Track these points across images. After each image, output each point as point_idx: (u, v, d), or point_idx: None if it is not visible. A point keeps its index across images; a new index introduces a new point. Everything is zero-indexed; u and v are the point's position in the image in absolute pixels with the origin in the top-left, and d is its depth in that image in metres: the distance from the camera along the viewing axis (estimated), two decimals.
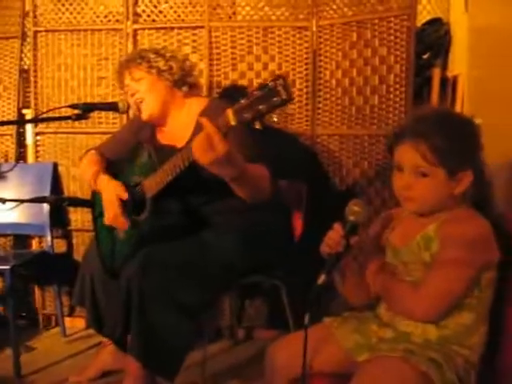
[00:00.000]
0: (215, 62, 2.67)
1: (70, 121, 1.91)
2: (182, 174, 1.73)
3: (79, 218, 2.85)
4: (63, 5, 2.77)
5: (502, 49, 2.15)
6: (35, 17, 2.80)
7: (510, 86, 2.09)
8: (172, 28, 2.69)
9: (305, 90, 2.59)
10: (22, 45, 2.87)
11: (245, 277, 2.04)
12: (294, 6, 2.61)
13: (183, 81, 2.11)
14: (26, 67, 2.93)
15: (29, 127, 2.88)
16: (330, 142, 2.59)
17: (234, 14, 2.68)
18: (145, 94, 2.06)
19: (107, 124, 2.78)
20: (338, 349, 1.37)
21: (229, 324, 2.76)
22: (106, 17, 2.76)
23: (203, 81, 2.65)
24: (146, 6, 2.71)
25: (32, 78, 2.82)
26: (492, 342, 1.34)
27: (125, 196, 1.96)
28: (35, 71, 2.82)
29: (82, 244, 2.83)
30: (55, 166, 2.83)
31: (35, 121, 2.57)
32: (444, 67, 2.86)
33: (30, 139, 2.89)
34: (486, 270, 1.28)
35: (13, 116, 2.86)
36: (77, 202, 2.31)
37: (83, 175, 2.22)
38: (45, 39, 2.80)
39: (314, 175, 2.53)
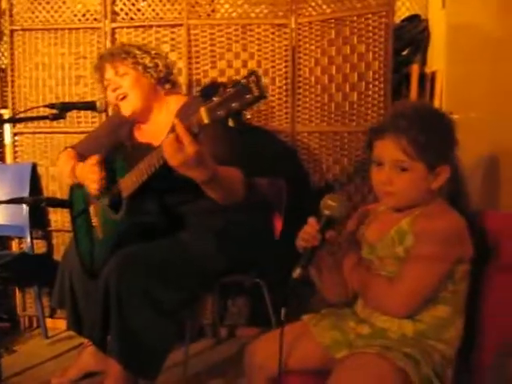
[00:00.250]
0: (194, 60, 2.66)
1: (47, 120, 1.89)
2: (158, 173, 1.71)
3: (59, 218, 2.83)
4: (40, 3, 2.74)
5: (479, 45, 2.17)
6: (11, 15, 2.76)
7: (487, 82, 2.10)
8: (150, 26, 2.68)
9: (284, 88, 2.60)
10: None
11: (224, 276, 2.04)
12: (273, 4, 2.61)
13: (166, 78, 2.10)
14: (2, 66, 2.91)
15: (7, 127, 2.85)
16: (309, 139, 2.60)
17: (213, 11, 2.67)
18: (128, 89, 2.02)
19: (86, 123, 2.76)
20: (316, 346, 1.38)
21: (211, 322, 2.76)
22: (83, 15, 2.73)
23: (182, 79, 2.64)
24: (124, 4, 2.69)
25: (9, 78, 2.79)
26: (469, 338, 1.36)
27: (98, 157, 1.95)
28: (12, 70, 2.79)
29: (62, 244, 2.80)
30: (34, 166, 2.80)
31: (12, 121, 2.53)
32: (423, 63, 2.88)
33: (8, 139, 2.87)
34: (459, 263, 1.29)
35: None
36: (55, 203, 2.29)
37: (61, 172, 2.21)
38: (21, 38, 2.77)
39: (294, 172, 2.53)
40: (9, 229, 2.79)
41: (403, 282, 1.29)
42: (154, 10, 2.68)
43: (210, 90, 2.62)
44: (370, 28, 2.41)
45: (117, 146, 2.03)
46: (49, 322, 2.83)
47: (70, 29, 2.73)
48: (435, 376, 1.23)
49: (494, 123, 2.01)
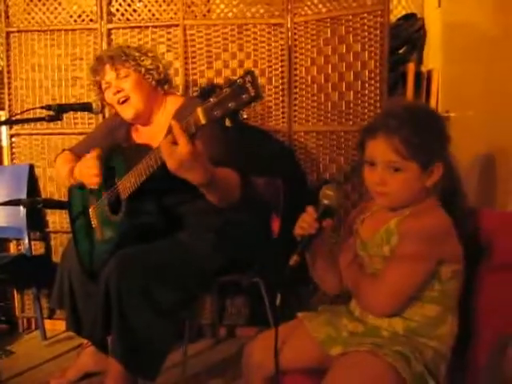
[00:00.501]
0: (191, 61, 2.66)
1: (44, 122, 1.89)
2: (156, 174, 1.72)
3: (57, 219, 2.83)
4: (36, 5, 2.75)
5: (475, 44, 2.17)
6: (7, 17, 2.76)
7: (482, 81, 2.11)
8: (146, 27, 2.68)
9: (281, 87, 2.60)
10: None
11: (223, 275, 2.04)
12: (268, 3, 2.61)
13: (165, 79, 2.10)
14: None
15: (3, 129, 2.85)
16: (306, 138, 2.60)
17: (209, 11, 2.67)
18: (130, 92, 2.02)
19: (83, 124, 2.77)
20: (312, 343, 1.38)
21: (210, 322, 2.77)
22: (79, 16, 2.73)
23: (179, 79, 2.65)
24: (120, 4, 2.69)
25: (5, 80, 2.79)
26: (463, 336, 1.36)
27: (96, 152, 1.94)
28: (9, 72, 2.79)
29: (60, 246, 2.80)
30: (31, 167, 2.80)
31: (8, 123, 2.53)
32: (419, 62, 2.89)
33: (5, 141, 2.87)
34: (444, 262, 1.30)
35: None
36: (52, 204, 2.30)
37: (58, 175, 2.20)
38: (18, 40, 2.77)
39: (291, 172, 2.54)
40: (6, 230, 2.79)
41: (385, 280, 1.30)
42: (149, 10, 2.68)
43: (208, 90, 2.63)
44: (366, 27, 2.41)
45: (114, 148, 2.02)
46: (47, 323, 2.83)
47: (65, 30, 2.74)
48: (428, 373, 1.24)
49: (490, 121, 2.01)
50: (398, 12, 3.02)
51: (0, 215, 2.76)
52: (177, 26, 2.65)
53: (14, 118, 2.61)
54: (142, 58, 2.03)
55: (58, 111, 1.84)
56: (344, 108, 2.49)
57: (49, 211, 2.83)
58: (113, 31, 2.70)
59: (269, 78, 2.61)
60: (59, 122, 1.93)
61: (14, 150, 2.84)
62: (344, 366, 1.24)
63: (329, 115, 2.54)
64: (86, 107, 1.98)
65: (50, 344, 2.74)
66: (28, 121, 2.11)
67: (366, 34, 2.41)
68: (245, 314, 2.75)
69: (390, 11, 2.43)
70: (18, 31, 2.77)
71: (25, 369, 2.45)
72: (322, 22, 2.52)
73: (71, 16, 2.74)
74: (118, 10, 2.69)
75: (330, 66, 2.51)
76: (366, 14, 2.41)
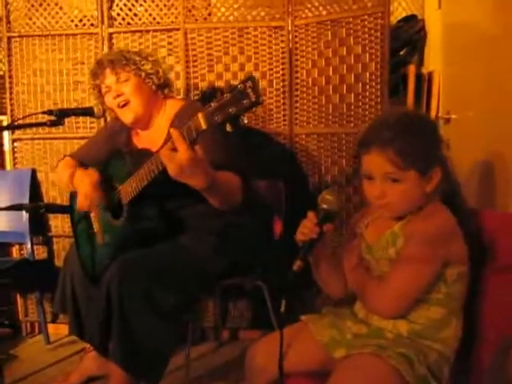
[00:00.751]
0: (192, 64, 2.67)
1: (45, 127, 1.90)
2: (157, 178, 1.72)
3: (59, 224, 2.83)
4: (37, 10, 2.75)
5: (475, 44, 2.18)
6: (9, 22, 2.77)
7: (483, 82, 2.11)
8: (147, 31, 2.68)
9: (282, 90, 2.60)
10: None
11: (225, 278, 2.04)
12: (269, 6, 2.61)
13: (165, 84, 2.11)
14: (0, 73, 2.91)
15: (6, 134, 2.86)
16: (307, 140, 2.60)
17: (210, 15, 2.68)
18: (130, 96, 2.02)
19: (85, 129, 2.77)
20: (315, 346, 1.38)
21: (213, 325, 2.77)
22: (80, 21, 2.74)
23: (180, 83, 2.65)
24: (121, 9, 2.69)
25: (7, 84, 2.80)
26: (466, 338, 1.36)
27: (97, 176, 1.97)
28: (10, 77, 2.80)
29: (62, 250, 2.81)
30: (33, 172, 2.81)
31: (10, 128, 2.54)
32: (420, 64, 2.89)
33: (7, 146, 2.87)
34: (450, 264, 1.30)
35: None
36: (54, 209, 2.30)
37: (59, 180, 2.21)
38: (19, 45, 2.78)
39: (292, 174, 2.54)
40: (9, 235, 2.79)
41: (390, 283, 1.30)
42: (150, 14, 2.68)
43: (209, 94, 2.63)
44: (366, 29, 2.41)
45: (115, 153, 2.03)
46: (50, 327, 2.83)
47: (67, 35, 2.75)
48: (431, 375, 1.24)
49: (491, 123, 2.01)
50: (398, 14, 3.02)
51: (3, 220, 2.76)
52: (178, 29, 2.65)
53: (16, 123, 2.62)
54: (142, 63, 2.04)
55: (59, 116, 1.84)
56: (345, 110, 2.49)
57: (51, 216, 2.83)
58: (114, 35, 2.71)
59: (270, 81, 2.61)
60: (61, 127, 1.94)
61: (16, 154, 2.85)
62: (347, 368, 1.24)
63: (330, 117, 2.54)
64: (87, 112, 1.99)
65: (53, 348, 2.75)
66: (30, 126, 2.12)
67: (367, 36, 2.41)
68: (248, 317, 2.75)
69: (390, 13, 2.43)
70: (20, 36, 2.77)
71: (28, 373, 2.46)
72: (323, 25, 2.52)
73: (72, 20, 2.75)
74: (118, 14, 2.70)
75: (330, 69, 2.51)
76: (366, 16, 2.41)
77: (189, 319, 2.10)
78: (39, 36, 2.76)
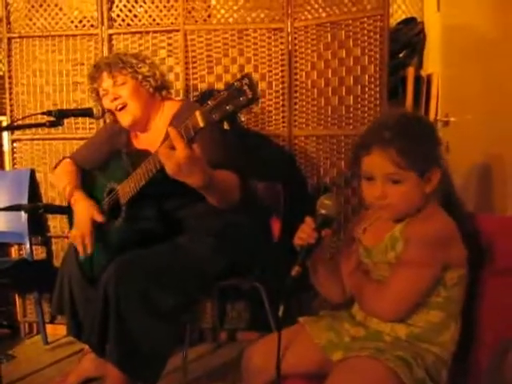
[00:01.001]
0: (191, 66, 2.67)
1: (44, 127, 1.90)
2: (155, 178, 1.73)
3: (58, 224, 2.84)
4: (37, 11, 2.76)
5: (474, 47, 2.18)
6: (9, 23, 2.78)
7: (482, 84, 2.11)
8: (147, 32, 2.69)
9: (281, 92, 2.61)
10: None
11: (223, 280, 2.04)
12: (268, 8, 2.62)
13: (162, 86, 2.11)
14: (0, 74, 2.92)
15: (5, 134, 2.86)
16: (306, 142, 2.61)
17: (209, 16, 2.68)
18: (127, 99, 2.03)
19: (84, 129, 2.77)
20: (313, 348, 1.38)
21: (211, 327, 2.77)
22: (80, 22, 2.74)
23: (179, 84, 2.66)
24: (121, 10, 2.70)
25: (7, 85, 2.80)
26: (464, 341, 1.36)
27: (99, 218, 1.96)
28: (10, 78, 2.81)
29: (61, 250, 2.81)
30: (32, 172, 2.81)
31: (9, 128, 2.54)
32: (419, 66, 2.89)
33: (6, 146, 2.88)
34: (450, 267, 1.30)
35: None
36: (53, 209, 2.30)
37: (57, 184, 2.21)
38: (19, 45, 2.78)
39: (291, 176, 2.54)
40: (8, 235, 2.79)
41: (390, 287, 1.30)
42: (150, 15, 2.69)
43: (208, 95, 2.63)
44: (366, 32, 2.42)
45: (114, 154, 2.03)
46: (49, 327, 2.83)
47: (66, 35, 2.75)
48: (429, 378, 1.24)
49: (489, 125, 2.01)
50: (398, 16, 3.03)
51: (1, 220, 2.77)
52: (177, 31, 2.66)
53: (15, 124, 2.62)
54: (139, 65, 2.04)
55: (58, 117, 1.84)
56: (344, 112, 2.50)
57: (50, 216, 2.83)
58: (114, 36, 2.71)
59: (269, 83, 2.61)
60: (60, 127, 1.94)
61: (15, 155, 2.85)
62: (344, 370, 1.24)
63: (329, 119, 2.55)
64: (86, 113, 1.99)
65: (52, 349, 2.75)
66: (29, 126, 2.12)
67: (366, 38, 2.42)
68: (245, 318, 2.75)
69: (389, 15, 2.43)
70: (20, 37, 2.78)
71: (26, 373, 2.46)
72: (322, 27, 2.52)
73: (72, 21, 2.75)
74: (118, 15, 2.70)
75: (330, 71, 2.52)
76: (365, 19, 2.42)
77: (187, 320, 2.10)
78: (39, 37, 2.77)
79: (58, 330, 2.84)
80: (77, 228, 2.00)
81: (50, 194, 2.83)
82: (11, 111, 2.81)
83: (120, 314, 1.77)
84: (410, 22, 2.96)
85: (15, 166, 2.86)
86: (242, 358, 1.48)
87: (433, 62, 2.76)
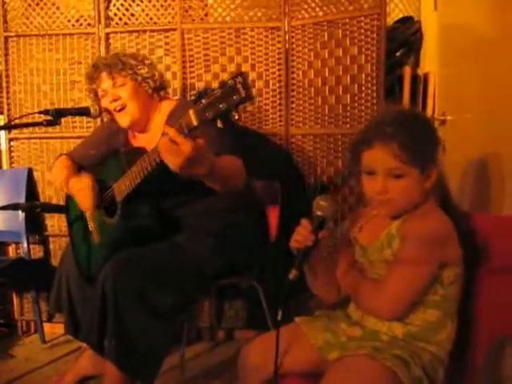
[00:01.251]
0: (188, 64, 2.67)
1: (41, 126, 1.90)
2: (152, 176, 1.73)
3: (56, 223, 2.83)
4: (34, 9, 2.75)
5: (471, 46, 2.19)
6: (6, 22, 2.77)
7: (479, 83, 2.12)
8: (144, 31, 2.69)
9: (278, 91, 2.61)
10: None
11: (221, 278, 2.05)
12: (265, 7, 2.62)
13: (161, 86, 2.12)
14: None
15: (2, 133, 2.86)
16: (304, 141, 2.61)
17: (206, 15, 2.68)
18: (126, 100, 2.02)
19: (81, 128, 2.77)
20: (309, 347, 1.39)
21: (209, 325, 2.77)
22: (77, 21, 2.74)
23: (177, 83, 2.66)
24: (118, 9, 2.69)
25: (4, 84, 2.80)
26: (460, 339, 1.37)
27: (89, 177, 1.97)
28: (7, 76, 2.80)
29: (59, 249, 2.80)
30: (30, 171, 2.81)
31: (6, 127, 2.54)
32: (416, 65, 2.90)
33: (3, 145, 2.88)
34: (447, 266, 1.30)
35: None
36: (50, 208, 2.30)
37: (54, 180, 2.21)
38: (16, 44, 2.78)
39: (288, 175, 2.54)
40: (5, 234, 2.79)
41: (388, 285, 1.30)
42: (147, 14, 2.68)
43: (204, 94, 2.63)
44: (363, 30, 2.42)
45: (112, 152, 2.03)
46: (46, 326, 2.83)
47: (64, 34, 2.74)
48: (426, 377, 1.24)
49: (486, 124, 2.02)
50: (395, 15, 3.03)
51: None
52: (174, 29, 2.66)
53: (12, 123, 2.62)
54: (138, 67, 2.04)
55: (55, 116, 1.85)
56: (341, 111, 2.50)
57: (47, 215, 2.83)
58: (111, 35, 2.70)
59: (266, 82, 2.62)
60: (58, 126, 1.94)
61: (12, 153, 2.85)
62: (341, 368, 1.25)
63: (326, 118, 2.55)
64: (83, 112, 2.00)
65: (49, 347, 2.75)
66: (26, 125, 2.12)
67: (363, 37, 2.42)
68: (243, 316, 2.76)
69: (386, 15, 2.43)
70: (17, 36, 2.77)
71: (24, 372, 2.46)
72: (319, 26, 2.52)
73: (69, 20, 2.74)
74: (115, 14, 2.70)
75: (326, 70, 2.52)
76: (362, 18, 2.42)
77: (184, 319, 2.10)
78: (36, 36, 2.76)
79: (55, 329, 2.84)
80: (79, 198, 1.99)
81: (47, 192, 2.82)
82: (8, 110, 2.80)
83: (118, 312, 1.78)
84: (406, 20, 2.97)
85: (12, 165, 2.85)
86: (239, 357, 1.49)
87: (430, 60, 2.76)
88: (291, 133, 2.61)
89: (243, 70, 2.62)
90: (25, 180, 2.77)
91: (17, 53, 2.78)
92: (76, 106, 2.62)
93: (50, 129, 2.60)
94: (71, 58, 2.75)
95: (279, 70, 2.60)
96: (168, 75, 2.63)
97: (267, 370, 1.34)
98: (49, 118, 1.85)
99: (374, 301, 1.32)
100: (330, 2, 2.50)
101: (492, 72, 2.00)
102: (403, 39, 2.89)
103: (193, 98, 2.59)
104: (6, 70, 2.79)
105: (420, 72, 2.82)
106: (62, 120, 1.88)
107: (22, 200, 2.71)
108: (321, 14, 2.53)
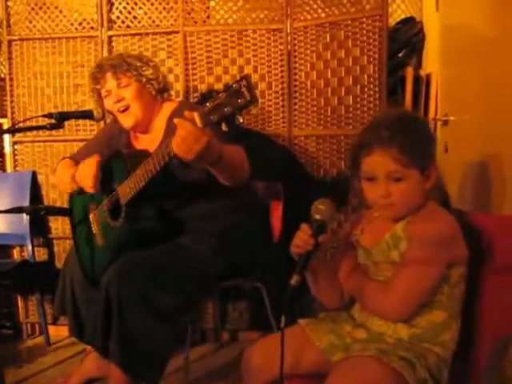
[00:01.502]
0: (191, 67, 2.68)
1: (45, 130, 1.91)
2: (156, 178, 1.73)
3: (60, 226, 2.84)
4: (37, 13, 2.77)
5: (473, 46, 2.19)
6: (9, 26, 2.79)
7: (481, 83, 2.12)
8: (147, 34, 2.70)
9: (280, 92, 2.61)
10: None
11: (225, 280, 2.05)
12: (268, 9, 2.62)
13: (165, 88, 2.12)
14: (1, 76, 2.93)
15: (6, 137, 2.87)
16: (306, 142, 2.61)
17: (209, 17, 2.69)
18: (130, 101, 2.03)
19: (85, 131, 2.78)
20: (313, 349, 1.38)
21: (213, 327, 2.77)
22: (80, 24, 2.75)
23: (179, 85, 2.67)
24: (121, 12, 2.71)
25: (8, 87, 2.82)
26: (464, 339, 1.36)
27: (95, 158, 1.96)
28: (11, 80, 2.82)
29: (63, 252, 2.82)
30: (34, 174, 2.82)
31: (10, 131, 2.55)
32: (419, 66, 2.90)
33: (7, 148, 2.89)
34: (454, 265, 1.30)
35: None
36: (54, 211, 2.31)
37: (59, 182, 2.20)
38: (19, 48, 2.80)
39: (291, 176, 2.54)
40: (10, 237, 2.81)
41: (397, 286, 1.30)
42: (150, 17, 2.70)
43: (208, 96, 2.64)
44: (365, 32, 2.42)
45: (114, 154, 2.04)
46: (51, 328, 2.84)
47: (67, 38, 2.76)
48: (431, 378, 1.24)
49: (488, 125, 2.02)
50: (397, 16, 3.04)
51: (3, 222, 2.78)
52: (177, 32, 2.67)
53: (16, 126, 2.63)
54: (143, 68, 2.04)
55: (59, 119, 1.85)
56: (343, 112, 2.51)
57: (51, 217, 2.84)
58: (113, 38, 2.72)
59: (268, 83, 2.62)
60: (61, 129, 1.95)
61: (16, 157, 2.86)
62: (346, 368, 1.24)
63: (328, 119, 2.55)
64: (87, 115, 1.99)
65: (54, 349, 2.76)
66: (30, 129, 2.12)
67: (365, 38, 2.42)
68: (247, 318, 2.76)
69: (388, 15, 2.44)
70: (20, 39, 2.79)
71: (29, 374, 2.46)
72: (321, 27, 2.53)
73: (72, 24, 2.76)
74: (118, 17, 2.71)
75: (329, 71, 2.52)
76: (364, 19, 2.43)
77: (188, 321, 2.11)
78: (39, 39, 2.78)
79: (60, 331, 2.85)
80: (88, 179, 1.97)
81: (51, 195, 2.84)
82: (12, 113, 2.82)
83: (122, 314, 1.78)
84: (409, 21, 2.97)
85: (17, 168, 2.87)
86: (242, 358, 1.49)
87: (432, 61, 2.77)
88: (294, 134, 2.62)
89: (246, 71, 2.63)
90: (29, 183, 2.78)
91: (20, 56, 2.80)
92: (79, 109, 2.64)
93: (53, 132, 2.54)
94: (74, 61, 2.77)
95: (282, 71, 2.61)
96: (170, 77, 2.64)
97: (271, 372, 1.33)
98: (52, 121, 1.86)
99: (380, 302, 1.32)
100: (331, 3, 2.51)
101: (494, 72, 2.00)
102: (405, 40, 2.89)
103: (196, 99, 2.64)
104: (10, 73, 2.81)
105: (422, 73, 2.82)
106: (66, 123, 1.88)
107: (26, 203, 2.73)
108: (323, 15, 2.54)
